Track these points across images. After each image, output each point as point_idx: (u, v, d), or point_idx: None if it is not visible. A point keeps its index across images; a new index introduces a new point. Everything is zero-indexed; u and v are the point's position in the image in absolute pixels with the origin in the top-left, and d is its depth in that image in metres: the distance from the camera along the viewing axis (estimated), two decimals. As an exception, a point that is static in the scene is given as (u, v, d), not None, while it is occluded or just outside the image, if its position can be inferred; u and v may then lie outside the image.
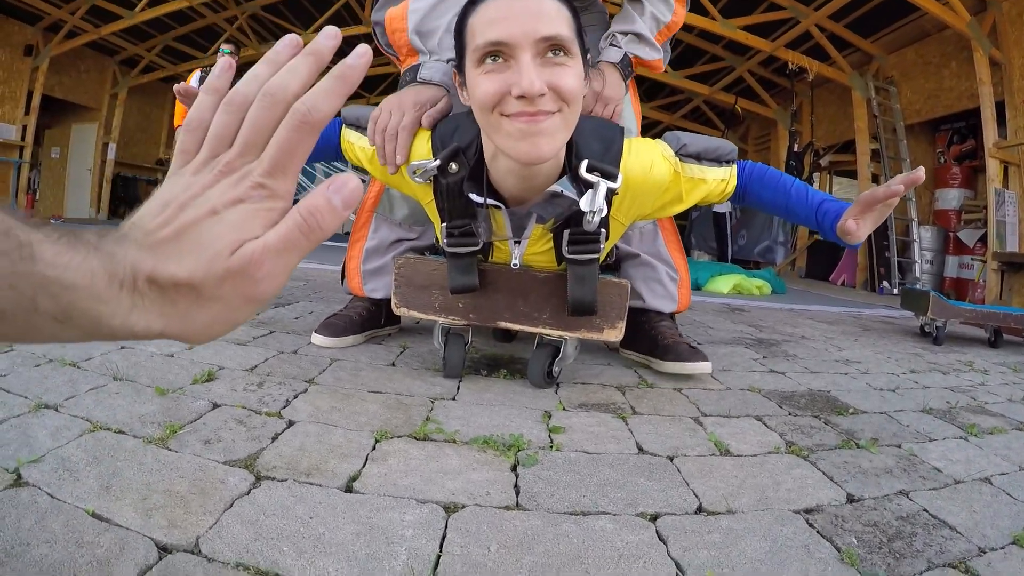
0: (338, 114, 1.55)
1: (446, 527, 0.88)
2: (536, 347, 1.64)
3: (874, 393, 1.98)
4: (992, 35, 7.42)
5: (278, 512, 0.88)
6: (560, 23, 1.16)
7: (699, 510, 1.01)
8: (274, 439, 1.12)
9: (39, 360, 1.48)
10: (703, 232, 14.11)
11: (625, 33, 1.88)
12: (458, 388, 1.58)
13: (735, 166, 1.57)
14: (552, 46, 1.15)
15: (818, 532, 0.97)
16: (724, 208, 11.53)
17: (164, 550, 0.77)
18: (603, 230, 1.44)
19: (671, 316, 2.11)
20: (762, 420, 1.53)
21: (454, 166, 1.35)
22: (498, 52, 1.15)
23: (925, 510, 1.09)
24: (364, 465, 1.05)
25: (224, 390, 1.38)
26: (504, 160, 1.29)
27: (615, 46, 1.86)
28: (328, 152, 1.61)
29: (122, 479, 0.93)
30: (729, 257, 11.24)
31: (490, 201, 1.37)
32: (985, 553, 0.95)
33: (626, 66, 1.85)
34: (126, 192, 12.08)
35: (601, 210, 1.29)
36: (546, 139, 1.18)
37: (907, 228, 8.81)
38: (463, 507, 0.94)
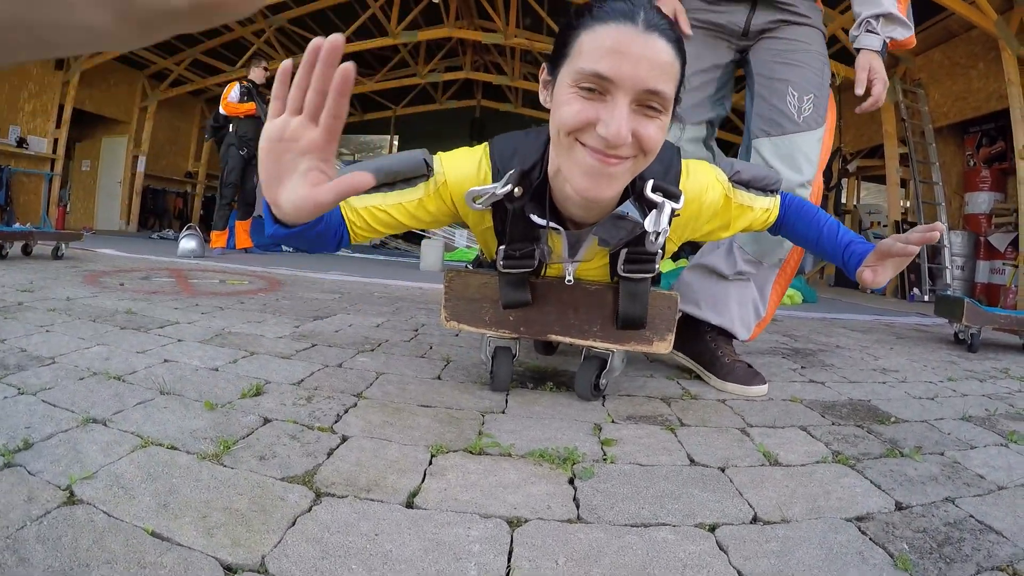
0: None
1: (512, 541, 0.89)
2: (584, 359, 1.65)
3: (914, 401, 1.97)
4: (1020, 34, 7.26)
5: (342, 529, 0.89)
6: (668, 79, 1.14)
7: (755, 520, 1.02)
8: (329, 455, 1.14)
9: (83, 373, 1.52)
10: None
11: (878, 17, 1.88)
12: (506, 401, 1.59)
13: (779, 196, 1.58)
14: (652, 99, 1.14)
15: (871, 539, 0.98)
16: None
17: (229, 570, 0.77)
18: (660, 250, 1.44)
19: (732, 337, 2.11)
20: (807, 430, 1.53)
21: (519, 190, 1.32)
22: (599, 85, 1.13)
23: (971, 516, 1.09)
24: (423, 480, 1.07)
25: (273, 404, 1.40)
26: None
27: (871, 32, 1.88)
28: (334, 240, 1.41)
29: (179, 496, 0.94)
30: None
31: (552, 224, 1.36)
32: None
33: (883, 51, 1.88)
34: (155, 205, 12.28)
35: (665, 231, 1.29)
36: (612, 183, 1.19)
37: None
38: (526, 521, 0.95)
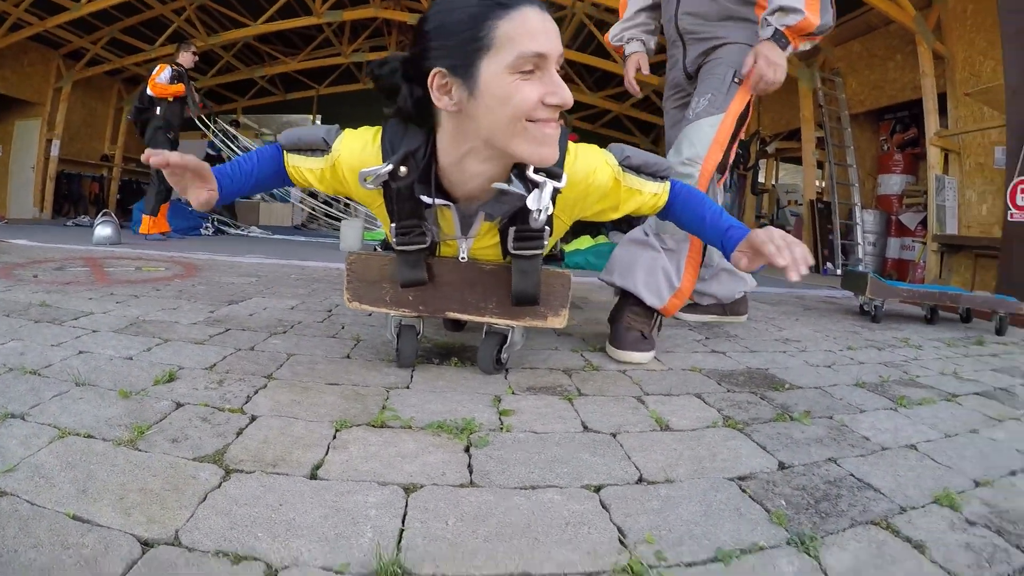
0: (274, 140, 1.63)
1: (407, 506, 0.95)
2: (485, 335, 1.72)
3: (810, 369, 2.10)
4: (936, 30, 7.72)
5: (249, 502, 0.94)
6: None
7: (640, 480, 1.10)
8: (239, 434, 1.18)
9: None
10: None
11: (772, 12, 2.10)
12: (412, 377, 1.64)
13: (669, 182, 1.66)
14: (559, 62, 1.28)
15: (750, 496, 1.06)
16: None
17: (146, 544, 0.82)
18: (547, 227, 1.51)
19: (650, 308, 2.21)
20: (701, 397, 1.63)
21: (404, 170, 1.39)
22: (536, 63, 1.23)
23: (852, 475, 1.19)
24: (327, 454, 1.12)
25: (186, 389, 1.42)
26: (470, 162, 1.37)
27: (767, 25, 2.12)
28: (276, 179, 1.62)
29: (97, 481, 0.97)
30: None
31: (440, 201, 1.44)
32: (906, 511, 1.05)
33: (779, 39, 2.11)
34: (70, 190, 11.84)
35: (548, 208, 1.37)
36: (555, 144, 1.32)
37: (850, 212, 9.10)
38: (421, 487, 1.01)
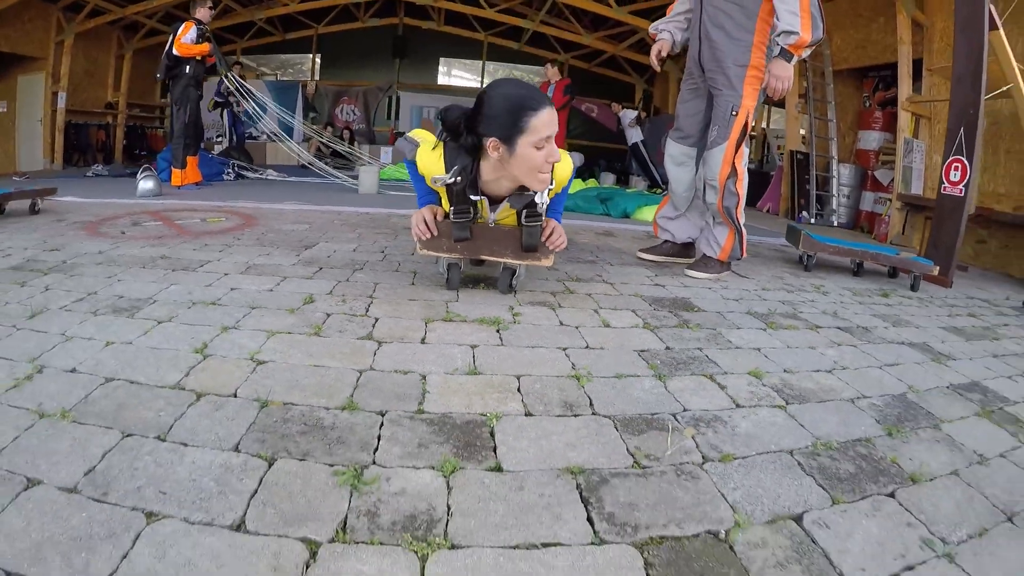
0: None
1: (473, 353, 2.10)
2: (502, 270, 2.88)
3: (721, 301, 3.22)
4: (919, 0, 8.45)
5: (397, 355, 2.06)
6: None
7: (587, 347, 2.26)
8: (374, 326, 2.30)
9: (187, 305, 2.55)
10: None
11: (778, 35, 3.44)
12: (458, 296, 2.79)
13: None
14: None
15: (643, 359, 2.22)
16: (636, 137, 13.35)
17: (360, 372, 1.95)
18: (544, 205, 2.69)
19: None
20: (635, 311, 2.81)
21: (460, 179, 2.54)
22: (547, 141, 2.40)
23: (706, 356, 2.33)
24: (425, 334, 2.26)
25: (325, 306, 2.52)
26: (503, 181, 2.56)
27: (777, 44, 3.48)
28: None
29: (317, 350, 2.10)
30: (660, 183, 12.58)
31: (477, 197, 2.62)
32: (727, 374, 2.17)
33: (785, 55, 3.47)
34: (78, 140, 12.63)
35: (545, 201, 2.58)
36: (548, 179, 2.52)
37: (827, 165, 10.10)
38: (477, 346, 2.17)
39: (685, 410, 1.84)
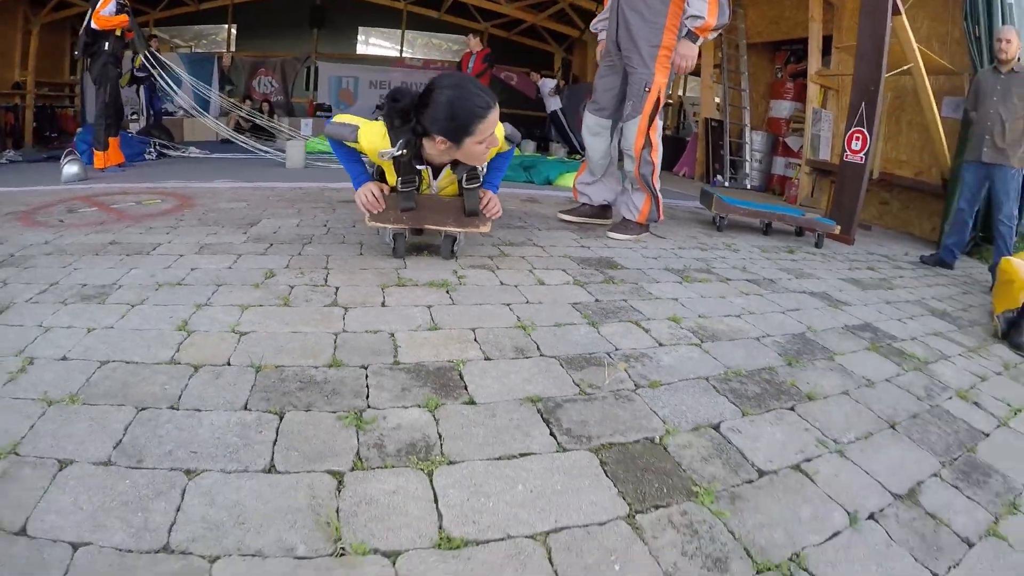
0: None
1: (430, 311, 2.37)
2: (443, 238, 3.15)
3: (641, 259, 3.60)
4: None
5: (364, 317, 2.29)
6: None
7: (526, 302, 2.56)
8: (336, 294, 2.53)
9: (154, 286, 2.66)
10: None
11: (687, 18, 3.89)
12: (405, 263, 3.03)
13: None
14: None
15: (577, 310, 2.54)
16: (555, 105, 13.80)
17: (335, 335, 2.20)
18: (482, 169, 3.02)
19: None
20: (565, 270, 3.13)
21: (405, 152, 2.77)
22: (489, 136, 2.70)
23: (631, 306, 2.68)
24: (383, 298, 2.50)
25: (286, 279, 2.70)
26: (447, 157, 2.82)
27: (684, 28, 3.93)
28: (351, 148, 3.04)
29: (292, 318, 2.33)
30: (579, 149, 13.00)
31: (422, 166, 2.89)
32: (649, 320, 2.53)
33: (691, 36, 3.94)
34: (-17, 121, 12.08)
35: (484, 167, 2.91)
36: (486, 157, 2.87)
37: (741, 132, 10.66)
38: (432, 306, 2.44)
39: (616, 349, 2.18)
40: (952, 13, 7.29)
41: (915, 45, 6.36)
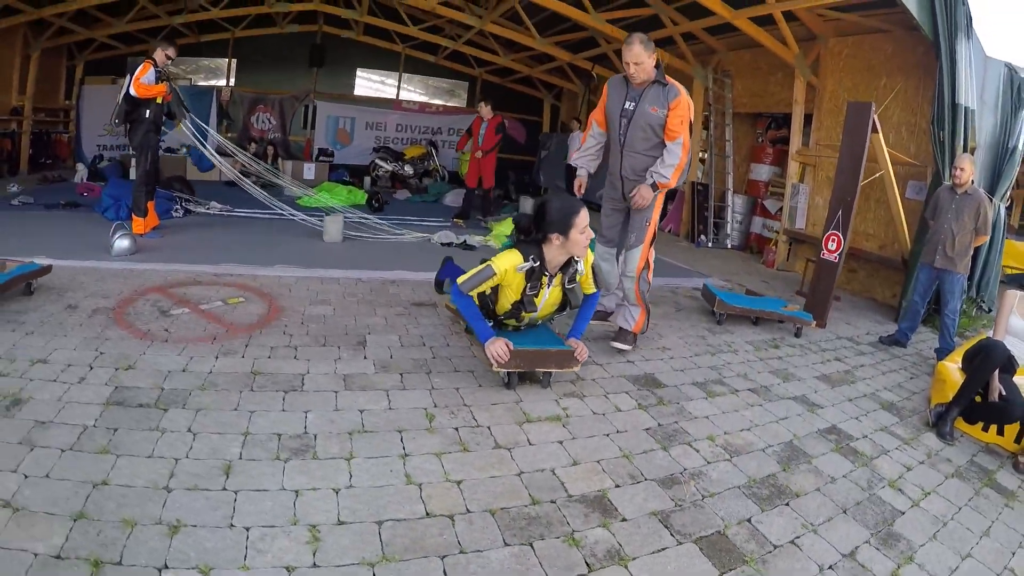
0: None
1: (563, 445, 3.93)
2: (543, 373, 4.65)
3: (672, 373, 5.23)
4: (814, 64, 10.71)
5: (525, 458, 3.87)
6: None
7: (618, 432, 4.15)
8: (491, 433, 4.03)
9: (343, 433, 4.17)
10: (551, 171, 18.00)
11: (654, 172, 5.26)
12: (518, 395, 4.47)
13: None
14: None
15: (649, 435, 4.16)
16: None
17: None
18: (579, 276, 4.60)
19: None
20: (628, 394, 4.73)
21: (534, 258, 4.26)
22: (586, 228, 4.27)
23: (682, 427, 4.35)
24: (527, 436, 4.02)
25: (447, 421, 4.18)
26: (559, 257, 4.37)
27: (650, 176, 5.31)
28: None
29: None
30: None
31: (546, 274, 4.40)
32: (697, 441, 4.22)
33: (652, 186, 5.31)
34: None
35: (582, 270, 4.58)
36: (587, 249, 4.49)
37: (723, 194, 12.50)
38: (563, 441, 3.98)
39: (684, 469, 3.74)
40: (921, 107, 9.12)
41: (887, 155, 8.14)
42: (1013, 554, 3.45)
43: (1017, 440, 4.69)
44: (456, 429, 3.78)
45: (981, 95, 8.15)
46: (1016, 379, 4.83)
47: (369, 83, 19.82)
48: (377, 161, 17.20)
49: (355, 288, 6.58)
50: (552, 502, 3.17)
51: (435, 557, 2.59)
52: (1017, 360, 4.93)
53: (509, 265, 4.27)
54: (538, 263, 4.30)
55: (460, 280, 4.34)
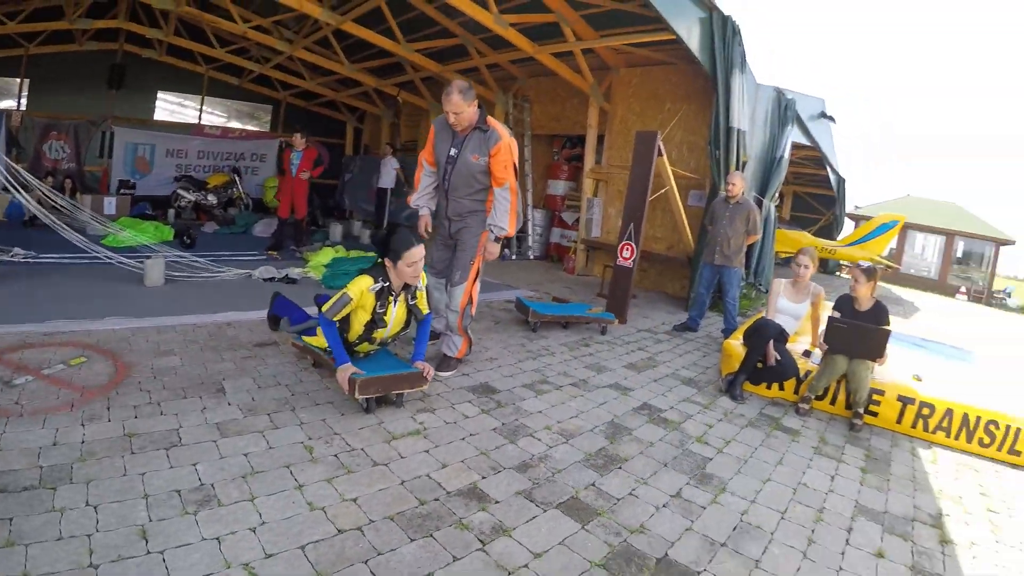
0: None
1: (428, 453, 4.65)
2: (396, 395, 5.32)
3: (503, 379, 6.06)
4: (607, 91, 12.12)
5: (403, 469, 4.55)
6: None
7: (471, 435, 4.91)
8: (366, 453, 4.65)
9: None
10: (355, 193, 18.61)
11: (493, 226, 5.80)
12: (378, 418, 5.07)
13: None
14: None
15: (496, 433, 4.95)
16: (388, 183, 15.85)
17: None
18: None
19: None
20: (471, 403, 5.49)
21: (386, 284, 4.95)
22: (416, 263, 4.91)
23: (522, 423, 5.16)
24: (398, 452, 4.67)
25: (325, 450, 4.72)
26: (399, 281, 5.01)
27: (492, 231, 5.86)
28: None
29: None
30: (385, 223, 15.43)
31: (393, 294, 5.07)
32: (538, 431, 5.08)
33: (495, 238, 5.89)
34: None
35: (420, 287, 5.29)
36: (419, 278, 5.09)
37: (524, 210, 13.56)
38: (428, 450, 4.69)
39: (532, 455, 4.56)
40: (700, 128, 10.83)
41: (671, 174, 9.58)
42: (804, 473, 4.74)
43: (796, 392, 6.23)
44: (336, 455, 4.10)
45: (752, 116, 9.89)
46: (788, 346, 6.39)
47: (169, 106, 19.29)
48: (179, 191, 16.43)
49: (194, 334, 6.47)
50: (436, 500, 3.67)
51: (359, 563, 2.96)
52: (787, 331, 6.46)
53: (364, 287, 4.88)
54: (387, 283, 4.98)
55: (324, 308, 4.84)
